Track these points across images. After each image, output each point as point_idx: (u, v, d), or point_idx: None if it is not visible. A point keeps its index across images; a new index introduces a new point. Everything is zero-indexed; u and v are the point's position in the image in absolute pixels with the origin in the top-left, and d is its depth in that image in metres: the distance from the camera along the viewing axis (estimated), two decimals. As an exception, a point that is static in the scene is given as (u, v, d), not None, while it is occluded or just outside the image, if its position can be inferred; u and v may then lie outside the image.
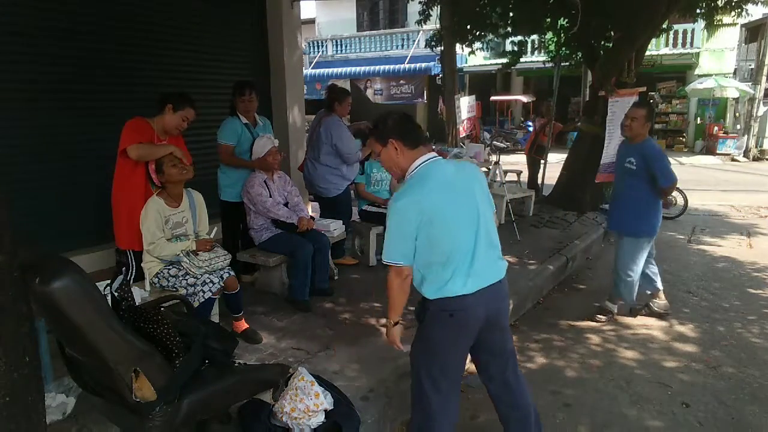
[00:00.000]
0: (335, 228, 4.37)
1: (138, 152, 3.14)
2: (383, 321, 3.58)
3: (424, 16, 9.42)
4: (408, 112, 2.44)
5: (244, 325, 3.32)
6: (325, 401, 2.31)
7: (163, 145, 3.23)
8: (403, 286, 2.14)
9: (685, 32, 16.44)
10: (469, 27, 8.57)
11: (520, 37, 9.51)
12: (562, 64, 8.53)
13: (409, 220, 2.03)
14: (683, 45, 16.63)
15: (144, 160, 3.17)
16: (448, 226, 2.05)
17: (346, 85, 20.30)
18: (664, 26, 8.96)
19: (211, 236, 3.29)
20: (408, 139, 2.15)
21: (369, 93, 20.73)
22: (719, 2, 7.58)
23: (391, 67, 19.78)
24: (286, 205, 3.97)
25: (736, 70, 17.52)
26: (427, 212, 2.02)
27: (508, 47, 10.31)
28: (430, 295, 2.10)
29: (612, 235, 4.25)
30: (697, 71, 16.93)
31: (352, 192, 4.94)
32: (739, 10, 7.71)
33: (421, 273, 2.12)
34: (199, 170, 4.94)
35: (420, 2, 9.07)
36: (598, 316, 4.09)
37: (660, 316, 4.11)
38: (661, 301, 4.14)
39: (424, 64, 18.84)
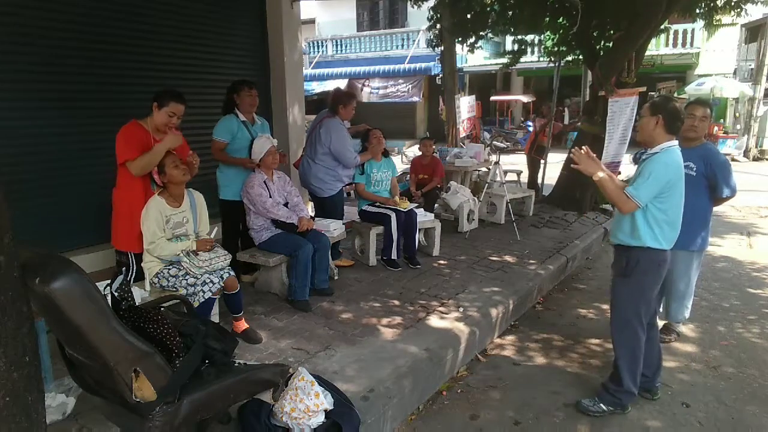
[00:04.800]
0: (335, 228, 4.37)
1: (139, 166, 3.12)
2: (384, 321, 3.59)
3: (433, 23, 9.45)
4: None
5: (244, 325, 3.32)
6: (325, 401, 2.30)
7: (158, 146, 3.12)
8: None
9: (685, 32, 16.45)
10: (469, 25, 8.58)
11: (520, 37, 9.52)
12: (561, 63, 8.54)
13: None
14: (683, 45, 16.64)
15: (146, 171, 3.14)
16: None
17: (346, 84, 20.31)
18: (664, 26, 8.97)
19: (212, 236, 3.29)
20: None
21: (365, 92, 20.71)
22: (719, 2, 7.58)
23: (391, 67, 19.79)
24: (286, 205, 3.97)
25: (736, 70, 17.53)
26: None
27: (509, 47, 10.32)
28: None
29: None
30: (697, 71, 16.94)
31: (351, 193, 4.94)
32: (739, 10, 7.71)
33: None
34: (202, 170, 4.96)
35: (426, 6, 9.11)
36: (662, 335, 3.67)
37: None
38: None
39: (423, 64, 18.85)
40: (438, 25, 9.58)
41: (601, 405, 2.87)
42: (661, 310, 3.91)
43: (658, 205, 2.67)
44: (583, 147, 2.80)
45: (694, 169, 3.39)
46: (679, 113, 2.72)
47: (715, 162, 3.38)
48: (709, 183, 3.40)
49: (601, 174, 2.70)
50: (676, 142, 2.72)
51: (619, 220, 2.84)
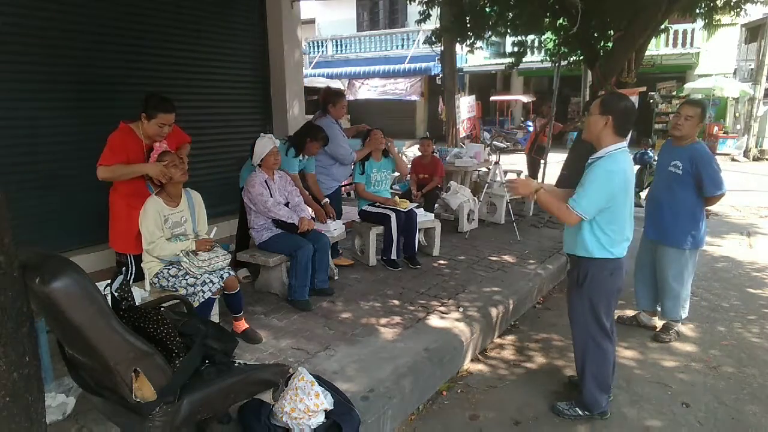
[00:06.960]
0: (335, 228, 4.37)
1: (108, 172, 3.11)
2: (383, 321, 3.59)
3: (425, 17, 9.43)
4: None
5: (244, 325, 3.32)
6: (325, 401, 2.30)
7: (136, 166, 3.12)
8: None
9: (685, 32, 16.46)
10: (468, 26, 8.57)
11: (521, 37, 9.51)
12: (561, 63, 8.53)
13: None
14: (683, 45, 16.65)
15: (109, 180, 3.14)
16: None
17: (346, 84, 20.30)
18: (664, 26, 8.96)
19: (211, 236, 3.29)
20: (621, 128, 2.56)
21: (363, 90, 20.71)
22: (719, 2, 7.57)
23: (391, 67, 19.79)
24: (286, 205, 3.98)
25: (736, 70, 17.53)
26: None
27: (509, 47, 10.30)
28: None
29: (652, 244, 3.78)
30: (697, 71, 16.94)
31: (351, 193, 4.94)
32: (738, 10, 7.70)
33: None
34: (208, 170, 4.96)
35: (420, 2, 9.07)
36: (660, 335, 3.77)
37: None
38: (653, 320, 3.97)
39: (423, 64, 18.86)
40: (431, 20, 9.55)
41: (577, 409, 2.82)
42: (659, 308, 3.93)
43: (603, 213, 2.56)
44: (509, 179, 2.78)
45: (681, 167, 3.45)
46: (631, 114, 2.57)
47: (700, 161, 3.41)
48: (696, 182, 3.44)
49: (536, 192, 2.63)
50: (624, 144, 2.58)
51: (565, 229, 2.77)
